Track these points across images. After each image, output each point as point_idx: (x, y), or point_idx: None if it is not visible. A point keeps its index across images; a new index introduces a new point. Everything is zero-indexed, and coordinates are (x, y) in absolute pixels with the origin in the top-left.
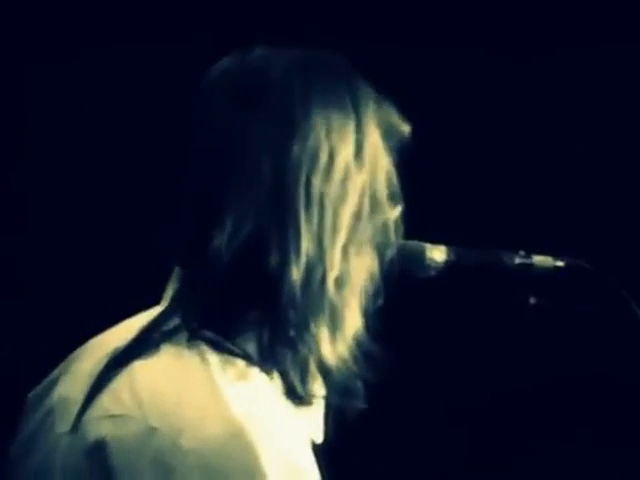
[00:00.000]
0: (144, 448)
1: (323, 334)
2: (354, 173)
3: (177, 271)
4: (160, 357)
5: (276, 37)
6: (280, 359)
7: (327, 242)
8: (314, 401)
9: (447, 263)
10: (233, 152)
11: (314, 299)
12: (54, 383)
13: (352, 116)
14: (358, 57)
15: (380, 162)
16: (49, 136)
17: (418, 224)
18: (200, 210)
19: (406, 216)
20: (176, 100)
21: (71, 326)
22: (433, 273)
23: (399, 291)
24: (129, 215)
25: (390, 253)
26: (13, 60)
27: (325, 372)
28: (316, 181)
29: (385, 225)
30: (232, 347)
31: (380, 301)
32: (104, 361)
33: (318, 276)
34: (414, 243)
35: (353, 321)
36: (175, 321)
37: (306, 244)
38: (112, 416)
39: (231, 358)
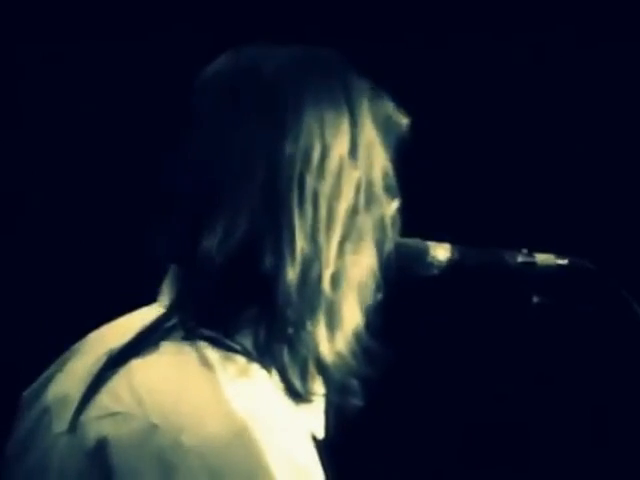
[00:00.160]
0: (145, 446)
1: (321, 332)
2: (349, 169)
3: (173, 269)
4: (159, 355)
5: (274, 35)
6: (278, 357)
7: (322, 240)
8: (314, 399)
9: (450, 261)
10: (225, 153)
11: (311, 297)
12: (49, 381)
13: (346, 112)
14: (357, 56)
15: (376, 157)
16: (45, 135)
17: (421, 223)
18: (192, 210)
19: (409, 215)
20: (171, 99)
21: (65, 324)
22: (436, 271)
23: (401, 289)
24: (124, 212)
25: (388, 248)
26: (7, 53)
27: (324, 370)
28: (309, 179)
29: (382, 220)
30: (231, 344)
31: (379, 296)
32: (101, 360)
33: (314, 274)
34: (417, 241)
35: (351, 318)
36: (173, 320)
37: (301, 243)
38: (112, 414)
39: (231, 355)
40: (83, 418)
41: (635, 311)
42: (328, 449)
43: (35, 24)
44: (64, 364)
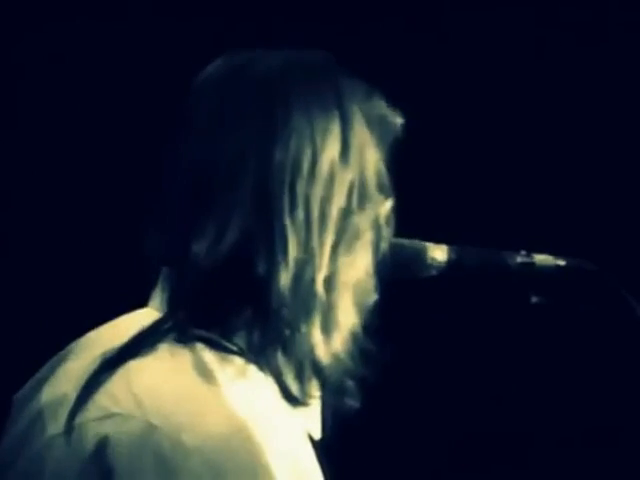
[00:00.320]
0: (145, 447)
1: (316, 334)
2: (340, 171)
3: (164, 272)
4: (156, 357)
5: (272, 35)
6: (272, 360)
7: (315, 243)
8: (310, 402)
9: (448, 262)
10: (216, 157)
11: (305, 300)
12: (42, 383)
13: (336, 114)
14: (353, 55)
15: (368, 157)
16: (40, 136)
17: (419, 223)
18: (183, 214)
19: (408, 216)
20: (166, 103)
21: (55, 326)
22: (434, 272)
23: (400, 290)
24: (118, 214)
25: (384, 248)
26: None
27: (320, 371)
28: (301, 183)
29: (377, 220)
30: (228, 345)
31: (376, 297)
32: (96, 362)
33: (308, 278)
34: (415, 242)
35: (347, 319)
36: (170, 323)
37: (293, 247)
38: (110, 416)
39: (228, 356)
40: (80, 420)
41: (634, 311)
42: (326, 450)
43: (35, 25)
44: (56, 367)
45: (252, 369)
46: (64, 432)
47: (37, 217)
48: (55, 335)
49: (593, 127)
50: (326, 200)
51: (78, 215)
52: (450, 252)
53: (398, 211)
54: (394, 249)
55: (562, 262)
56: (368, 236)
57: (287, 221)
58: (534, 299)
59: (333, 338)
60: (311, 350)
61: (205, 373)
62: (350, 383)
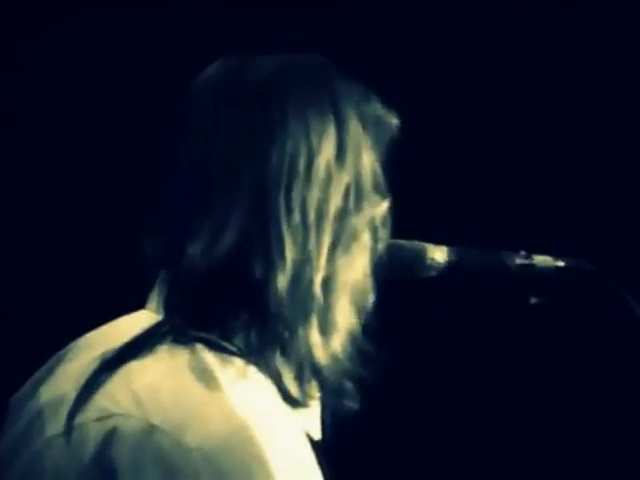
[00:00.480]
0: (146, 446)
1: (314, 336)
2: (336, 172)
3: (162, 274)
4: (156, 357)
5: (270, 37)
6: (270, 362)
7: (312, 245)
8: (310, 404)
9: (448, 263)
10: (212, 159)
11: (303, 302)
12: (40, 385)
13: (331, 116)
14: (352, 56)
15: (364, 158)
16: (38, 138)
17: (419, 224)
18: (180, 216)
19: (407, 217)
20: (163, 106)
21: (54, 327)
22: (434, 273)
23: (400, 290)
24: (116, 217)
25: (381, 248)
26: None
27: (319, 373)
28: (297, 185)
29: (373, 220)
30: (228, 346)
31: (374, 297)
32: (96, 362)
33: (305, 280)
34: (415, 243)
35: (345, 320)
36: (168, 324)
37: (290, 250)
38: (110, 416)
39: (228, 357)
40: (80, 420)
41: (634, 311)
42: (326, 450)
43: (34, 25)
44: (55, 367)
45: (252, 370)
46: (64, 432)
47: (37, 217)
48: (55, 335)
49: (592, 127)
50: (323, 202)
51: (77, 216)
52: (450, 253)
53: (398, 212)
54: (394, 250)
55: (561, 263)
56: (365, 237)
57: (284, 223)
58: (533, 299)
59: (331, 339)
60: (310, 351)
61: (205, 373)
62: (349, 384)
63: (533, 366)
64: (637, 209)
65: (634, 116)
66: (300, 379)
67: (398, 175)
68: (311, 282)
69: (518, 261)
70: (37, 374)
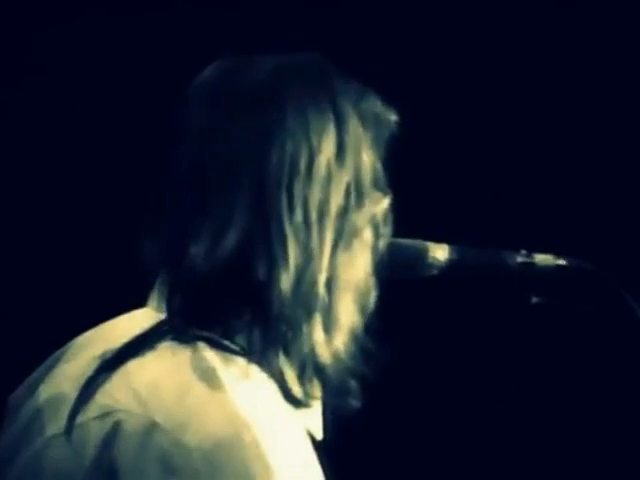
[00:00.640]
0: (147, 444)
1: (317, 334)
2: (337, 171)
3: (162, 275)
4: (157, 355)
5: (269, 37)
6: (273, 362)
7: (315, 244)
8: (312, 403)
9: (449, 262)
10: (212, 160)
11: (306, 302)
12: (38, 384)
13: (331, 114)
14: (351, 55)
15: (364, 156)
16: (36, 139)
17: (420, 223)
18: (181, 217)
19: (409, 216)
20: (162, 108)
21: (54, 326)
22: (435, 272)
23: (401, 290)
24: (115, 218)
25: (382, 246)
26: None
27: (321, 372)
28: (298, 185)
29: (374, 218)
30: (230, 345)
31: (376, 295)
32: (95, 362)
33: (308, 279)
34: (416, 242)
35: (348, 318)
36: (169, 324)
37: (293, 250)
38: (111, 412)
39: (230, 356)
40: (81, 419)
41: (634, 311)
42: (327, 450)
43: (35, 24)
44: (54, 366)
45: (254, 369)
46: (65, 432)
47: (37, 218)
48: (54, 335)
49: (592, 127)
50: (324, 200)
51: (77, 216)
52: (451, 252)
53: (399, 211)
54: (395, 249)
55: (562, 262)
56: (367, 234)
57: (286, 223)
58: (534, 299)
59: (334, 338)
60: (313, 350)
61: (207, 372)
62: (351, 383)
63: (533, 365)
64: (637, 209)
65: (634, 116)
66: (302, 378)
67: (399, 174)
68: (314, 281)
69: (519, 260)
70: (35, 373)
